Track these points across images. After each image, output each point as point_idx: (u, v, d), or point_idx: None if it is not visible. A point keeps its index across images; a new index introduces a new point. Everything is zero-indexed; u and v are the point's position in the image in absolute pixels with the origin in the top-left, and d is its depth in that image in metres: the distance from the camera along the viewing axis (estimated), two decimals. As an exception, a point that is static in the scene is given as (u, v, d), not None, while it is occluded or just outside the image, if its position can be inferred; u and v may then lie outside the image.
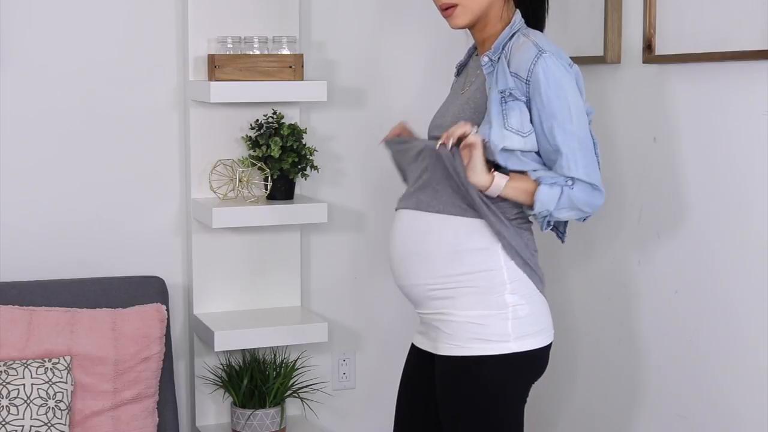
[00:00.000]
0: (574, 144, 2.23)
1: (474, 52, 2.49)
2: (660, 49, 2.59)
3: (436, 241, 2.32)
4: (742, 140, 2.38)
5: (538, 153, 2.28)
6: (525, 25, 2.36)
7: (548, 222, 2.29)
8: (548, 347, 2.37)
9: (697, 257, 2.53)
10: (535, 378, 2.38)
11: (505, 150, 2.24)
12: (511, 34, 2.32)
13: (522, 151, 2.26)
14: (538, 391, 3.17)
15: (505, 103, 2.25)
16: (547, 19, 2.43)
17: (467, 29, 2.39)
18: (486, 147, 2.23)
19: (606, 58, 2.74)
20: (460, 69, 2.53)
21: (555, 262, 3.05)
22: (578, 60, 2.87)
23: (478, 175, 2.23)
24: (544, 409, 3.15)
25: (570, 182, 2.22)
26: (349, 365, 3.43)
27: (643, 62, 2.64)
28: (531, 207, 2.25)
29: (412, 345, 2.50)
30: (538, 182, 2.23)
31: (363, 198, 3.36)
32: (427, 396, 2.43)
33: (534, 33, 2.32)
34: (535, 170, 2.26)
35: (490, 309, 2.29)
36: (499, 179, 2.24)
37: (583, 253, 2.93)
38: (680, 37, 2.53)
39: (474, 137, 2.22)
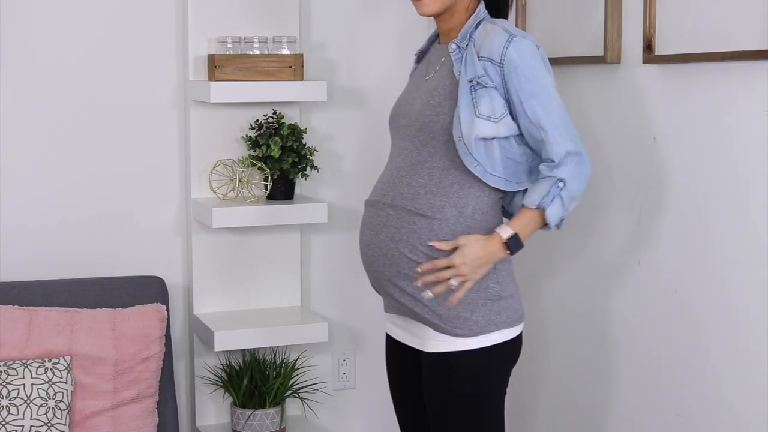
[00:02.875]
0: (556, 119, 2.25)
1: (435, 39, 2.50)
2: (660, 49, 2.59)
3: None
4: (742, 140, 2.38)
5: (519, 137, 2.30)
6: (489, 16, 2.40)
7: (562, 222, 2.33)
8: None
9: (697, 257, 2.53)
10: (515, 363, 2.43)
11: (481, 139, 2.26)
12: (476, 23, 2.36)
13: (499, 139, 2.28)
14: (538, 391, 3.18)
15: (474, 91, 2.27)
16: (510, 12, 2.47)
17: (433, 17, 2.41)
18: (459, 143, 2.27)
19: (606, 58, 2.73)
20: (420, 56, 2.54)
21: (554, 261, 3.05)
22: (578, 60, 2.88)
23: (486, 268, 2.28)
24: (547, 412, 3.16)
25: (561, 184, 2.24)
26: (349, 365, 3.43)
27: (643, 62, 2.64)
28: (546, 226, 2.30)
29: (390, 338, 2.51)
30: (539, 208, 2.25)
31: (363, 198, 3.34)
32: (413, 387, 2.47)
33: (500, 21, 2.36)
34: (526, 189, 2.31)
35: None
36: (508, 237, 2.27)
37: (583, 252, 2.93)
38: (680, 37, 2.53)
39: (461, 289, 2.26)
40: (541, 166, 2.26)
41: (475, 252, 2.26)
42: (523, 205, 2.28)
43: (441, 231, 2.30)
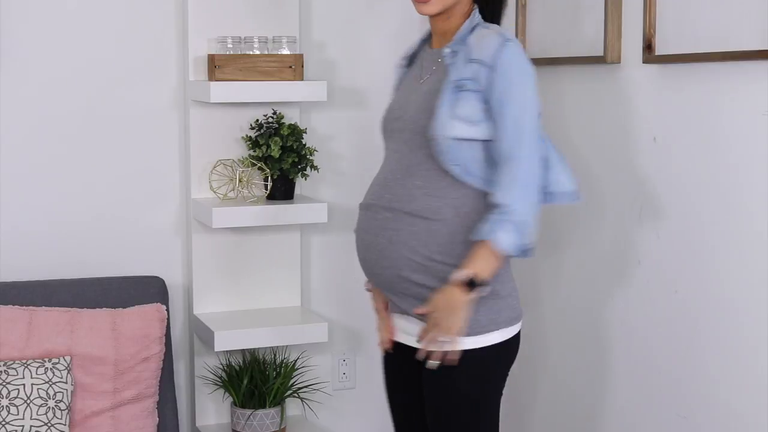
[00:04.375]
0: (522, 136, 2.25)
1: (425, 43, 2.49)
2: (660, 49, 2.59)
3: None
4: (742, 140, 2.38)
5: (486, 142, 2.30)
6: (483, 21, 2.39)
7: (529, 248, 2.32)
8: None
9: (697, 257, 2.53)
10: (513, 362, 2.44)
11: (460, 140, 2.27)
12: (471, 27, 2.36)
13: (479, 141, 2.29)
14: (538, 391, 3.18)
15: (458, 92, 2.28)
16: (503, 17, 2.46)
17: (429, 18, 2.40)
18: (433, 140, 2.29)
19: (606, 58, 2.73)
20: (410, 60, 2.52)
21: (554, 261, 3.05)
22: (578, 60, 2.88)
23: (458, 314, 2.27)
24: (546, 412, 3.16)
25: (505, 209, 2.23)
26: (349, 365, 3.43)
27: (643, 62, 2.64)
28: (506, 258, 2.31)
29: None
30: (488, 241, 2.24)
31: (363, 198, 3.35)
32: (410, 388, 2.47)
33: (494, 26, 2.37)
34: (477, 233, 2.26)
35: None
36: (462, 280, 2.25)
37: (583, 252, 2.93)
38: (680, 37, 2.53)
39: (453, 341, 2.28)
40: (489, 197, 2.26)
41: (438, 303, 2.27)
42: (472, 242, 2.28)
43: (439, 232, 2.30)
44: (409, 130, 2.35)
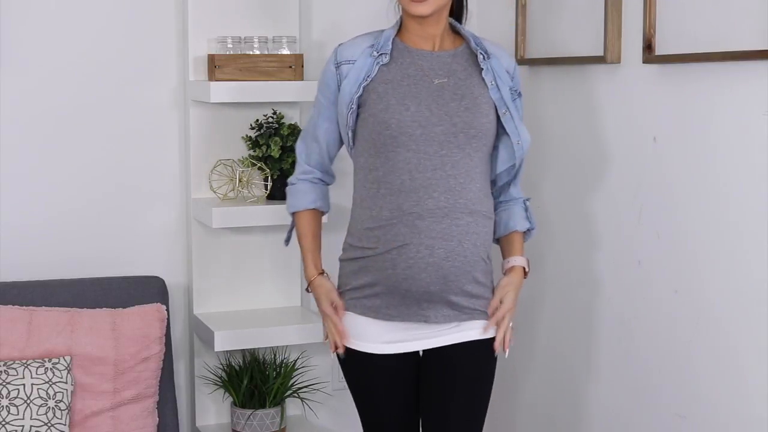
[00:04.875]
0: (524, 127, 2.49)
1: (396, 41, 2.44)
2: (660, 49, 2.59)
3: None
4: (742, 140, 2.38)
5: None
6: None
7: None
8: None
9: (697, 257, 2.53)
10: None
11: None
12: (470, 33, 2.48)
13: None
14: (538, 391, 3.18)
15: (515, 100, 2.47)
16: (465, 18, 2.56)
17: (417, 19, 2.40)
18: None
19: (606, 58, 2.73)
20: (385, 58, 2.41)
21: (554, 261, 3.05)
22: (578, 60, 2.88)
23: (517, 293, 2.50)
24: (546, 411, 3.15)
25: (527, 203, 2.55)
26: (349, 365, 3.42)
27: (643, 62, 2.64)
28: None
29: (381, 357, 2.45)
30: (529, 230, 2.55)
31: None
32: (409, 395, 2.51)
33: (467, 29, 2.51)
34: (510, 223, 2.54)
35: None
36: (526, 267, 2.53)
37: (583, 252, 2.93)
38: (680, 37, 2.53)
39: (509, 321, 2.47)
40: (513, 189, 2.53)
41: (516, 293, 2.48)
42: (515, 231, 2.52)
43: (491, 232, 2.47)
44: (465, 134, 2.36)
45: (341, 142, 2.51)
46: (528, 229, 2.54)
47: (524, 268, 2.51)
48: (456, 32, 2.49)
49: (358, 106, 2.40)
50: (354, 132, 2.43)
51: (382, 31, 2.46)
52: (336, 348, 2.48)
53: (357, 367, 2.49)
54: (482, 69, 2.42)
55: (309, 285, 2.56)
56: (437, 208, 2.33)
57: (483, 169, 2.41)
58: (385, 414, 2.50)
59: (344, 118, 2.42)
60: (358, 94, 2.39)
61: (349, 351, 2.47)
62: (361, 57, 2.42)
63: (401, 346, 2.43)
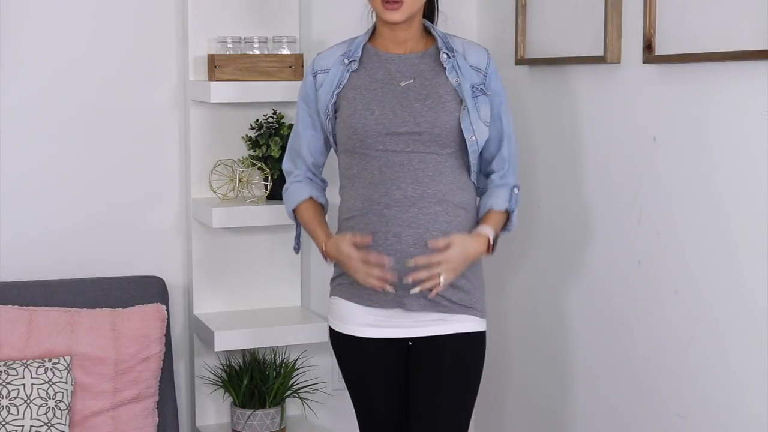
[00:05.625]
0: (511, 133, 2.56)
1: (366, 47, 2.53)
2: (660, 49, 2.59)
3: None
4: (742, 140, 2.38)
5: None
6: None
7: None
8: None
9: (697, 257, 2.53)
10: None
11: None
12: (443, 35, 2.51)
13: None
14: (538, 390, 3.18)
15: (476, 97, 2.48)
16: (436, 19, 2.62)
17: (389, 25, 2.48)
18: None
19: (606, 58, 2.73)
20: (356, 62, 2.51)
21: (554, 261, 3.05)
22: (578, 60, 2.88)
23: (468, 265, 2.46)
24: (545, 411, 3.16)
25: (516, 190, 2.55)
26: (349, 365, 3.42)
27: (643, 62, 2.64)
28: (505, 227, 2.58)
29: (374, 341, 2.52)
30: (507, 211, 2.54)
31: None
32: (398, 384, 2.56)
33: (439, 30, 2.55)
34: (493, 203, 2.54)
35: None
36: (493, 238, 2.49)
37: (583, 252, 2.93)
38: (680, 37, 2.53)
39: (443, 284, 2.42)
40: (494, 176, 2.54)
41: (468, 251, 2.44)
42: (491, 209, 2.52)
43: (471, 222, 2.50)
44: (429, 133, 2.44)
45: (327, 149, 2.62)
46: (507, 211, 2.53)
47: (489, 240, 2.47)
48: (430, 33, 2.56)
49: (335, 112, 2.52)
50: (334, 136, 2.56)
51: (356, 38, 2.55)
52: (383, 282, 2.42)
53: (345, 350, 2.58)
54: (445, 68, 2.48)
55: (324, 253, 2.57)
56: (404, 198, 2.43)
57: (455, 163, 2.48)
58: (374, 396, 2.57)
59: (324, 124, 2.55)
60: (332, 101, 2.51)
61: (337, 334, 2.58)
62: (335, 65, 2.53)
63: (385, 332, 2.50)
